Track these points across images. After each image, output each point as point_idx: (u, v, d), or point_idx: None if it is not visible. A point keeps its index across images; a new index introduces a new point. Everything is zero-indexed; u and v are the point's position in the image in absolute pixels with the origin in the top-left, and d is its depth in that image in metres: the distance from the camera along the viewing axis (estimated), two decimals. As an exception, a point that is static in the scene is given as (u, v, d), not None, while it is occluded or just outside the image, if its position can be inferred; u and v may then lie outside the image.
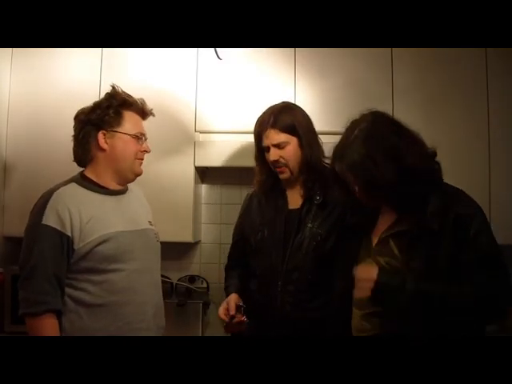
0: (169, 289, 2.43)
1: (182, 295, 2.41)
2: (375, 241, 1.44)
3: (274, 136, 1.66)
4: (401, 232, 1.38)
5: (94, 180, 1.56)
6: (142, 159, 1.63)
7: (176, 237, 2.26)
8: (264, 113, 1.73)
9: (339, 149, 1.38)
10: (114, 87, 1.60)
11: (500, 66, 2.28)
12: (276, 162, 1.68)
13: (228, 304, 1.68)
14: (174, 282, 2.47)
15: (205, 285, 2.54)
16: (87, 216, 1.48)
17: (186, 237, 2.32)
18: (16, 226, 2.27)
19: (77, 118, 1.57)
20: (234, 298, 1.71)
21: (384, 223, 1.44)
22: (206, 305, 2.38)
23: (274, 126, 1.66)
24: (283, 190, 1.75)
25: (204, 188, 2.62)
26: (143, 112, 1.62)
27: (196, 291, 2.47)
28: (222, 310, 1.68)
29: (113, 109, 1.55)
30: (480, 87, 2.27)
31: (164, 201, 2.24)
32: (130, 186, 1.69)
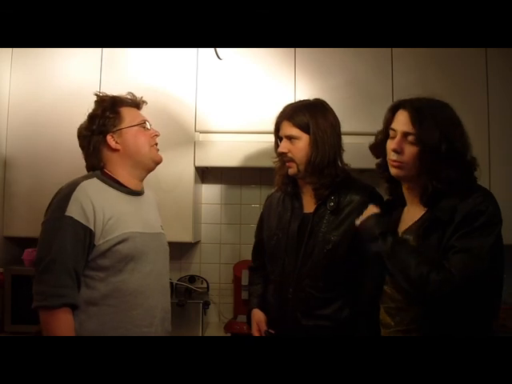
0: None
1: (182, 295, 2.41)
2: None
3: (287, 128, 1.65)
4: (417, 225, 1.41)
5: (115, 177, 1.56)
6: (157, 144, 1.63)
7: (176, 237, 2.25)
8: (289, 104, 1.72)
9: None
10: (97, 95, 1.60)
11: (500, 66, 2.28)
12: (283, 154, 1.67)
13: (259, 326, 1.73)
14: (174, 282, 2.47)
15: (205, 285, 2.54)
16: (109, 213, 1.46)
17: (186, 237, 2.32)
18: (16, 226, 2.29)
19: (80, 135, 1.57)
20: (261, 318, 1.74)
21: (408, 220, 1.47)
22: (206, 305, 2.38)
23: (290, 118, 1.65)
24: (299, 192, 1.72)
25: (204, 188, 2.63)
26: (136, 103, 1.63)
27: (196, 291, 2.47)
28: (256, 334, 1.74)
29: (109, 111, 1.55)
30: (480, 87, 2.28)
31: (164, 201, 2.23)
32: (145, 189, 1.68)
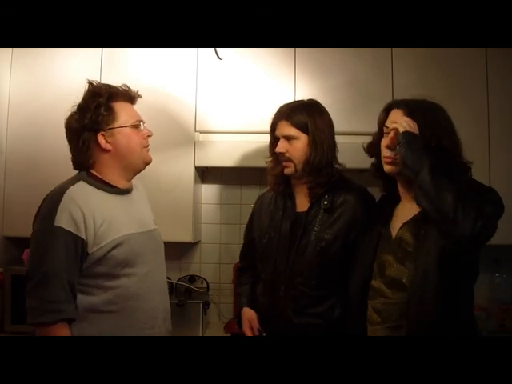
0: (169, 289, 2.42)
1: (182, 295, 2.41)
2: (394, 233, 1.47)
3: (285, 128, 1.65)
4: (416, 218, 1.41)
5: (103, 178, 1.49)
6: (148, 145, 1.56)
7: (176, 237, 2.26)
8: (285, 104, 1.72)
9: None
10: (91, 83, 1.50)
11: (500, 66, 2.28)
12: (281, 154, 1.66)
13: (251, 324, 1.73)
14: (174, 281, 2.47)
15: (205, 285, 2.54)
16: (100, 218, 1.40)
17: (186, 237, 2.32)
18: (16, 226, 2.28)
19: (69, 127, 1.48)
20: (253, 316, 1.74)
21: (402, 216, 1.47)
22: (206, 305, 2.38)
23: (288, 118, 1.65)
24: (292, 192, 1.72)
25: (204, 188, 2.63)
26: (131, 97, 1.55)
27: (196, 291, 2.47)
28: (248, 331, 1.74)
29: (103, 106, 1.45)
30: (480, 87, 2.28)
31: (164, 201, 2.24)
32: (133, 182, 1.63)
